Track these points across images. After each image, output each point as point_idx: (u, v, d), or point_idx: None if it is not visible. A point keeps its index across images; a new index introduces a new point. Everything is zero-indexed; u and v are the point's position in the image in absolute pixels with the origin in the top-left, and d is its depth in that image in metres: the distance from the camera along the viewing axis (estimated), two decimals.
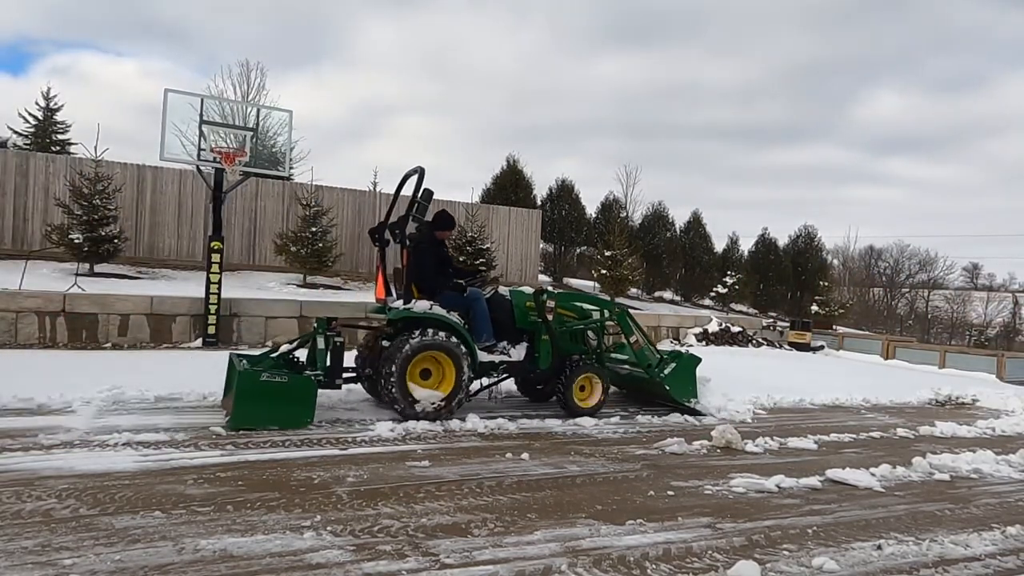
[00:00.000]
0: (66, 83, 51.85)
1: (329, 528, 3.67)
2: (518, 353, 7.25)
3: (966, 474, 5.67)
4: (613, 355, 8.29)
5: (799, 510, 4.48)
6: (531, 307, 7.42)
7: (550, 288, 9.45)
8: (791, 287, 27.40)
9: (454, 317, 6.78)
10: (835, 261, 39.38)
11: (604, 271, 19.75)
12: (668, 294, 25.36)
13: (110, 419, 5.81)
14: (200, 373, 7.89)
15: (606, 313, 7.96)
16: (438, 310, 6.72)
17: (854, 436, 6.99)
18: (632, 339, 7.91)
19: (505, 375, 7.38)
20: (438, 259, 7.27)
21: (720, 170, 78.15)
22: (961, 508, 4.75)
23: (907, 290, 48.89)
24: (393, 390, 6.34)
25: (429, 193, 6.93)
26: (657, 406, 7.86)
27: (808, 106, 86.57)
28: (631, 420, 7.15)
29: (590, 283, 23.64)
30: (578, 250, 25.46)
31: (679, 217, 26.40)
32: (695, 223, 25.89)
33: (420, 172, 7.16)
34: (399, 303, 6.89)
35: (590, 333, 7.90)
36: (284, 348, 6.94)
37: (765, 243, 27.66)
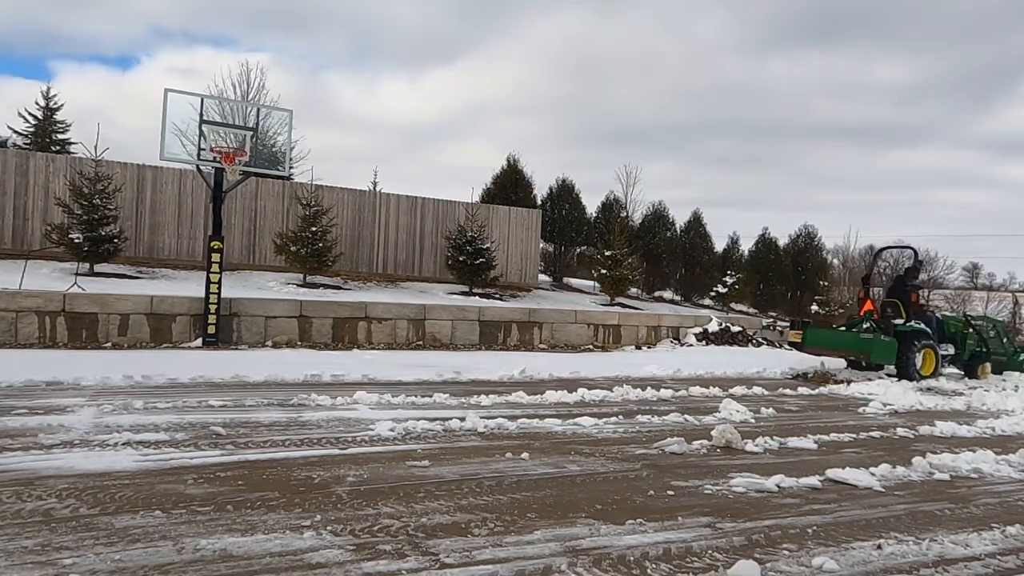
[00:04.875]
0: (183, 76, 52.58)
1: (329, 528, 3.67)
2: (950, 350, 12.27)
3: (966, 474, 5.66)
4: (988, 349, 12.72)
5: (799, 510, 4.48)
6: (955, 324, 12.62)
7: (970, 314, 14.00)
8: (791, 287, 27.38)
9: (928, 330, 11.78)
10: (835, 261, 39.32)
11: (604, 271, 19.75)
12: (668, 294, 25.36)
13: (110, 419, 5.82)
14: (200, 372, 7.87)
15: (991, 325, 13.20)
16: (923, 326, 11.80)
17: (854, 436, 6.99)
18: (1004, 340, 13.04)
19: (948, 361, 12.30)
20: (918, 296, 12.29)
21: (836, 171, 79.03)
22: (961, 508, 4.75)
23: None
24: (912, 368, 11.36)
25: (920, 263, 12.60)
26: (657, 406, 7.86)
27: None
28: (631, 420, 7.15)
29: (590, 283, 23.64)
30: (578, 250, 25.44)
31: (680, 217, 26.42)
32: (695, 223, 25.87)
33: (915, 252, 13.48)
34: (899, 320, 11.80)
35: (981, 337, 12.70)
36: None
37: (765, 243, 27.64)
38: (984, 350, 12.62)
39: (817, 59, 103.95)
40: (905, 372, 11.50)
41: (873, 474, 5.33)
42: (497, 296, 17.86)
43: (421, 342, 12.84)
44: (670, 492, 4.70)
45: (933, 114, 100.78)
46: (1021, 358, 13.15)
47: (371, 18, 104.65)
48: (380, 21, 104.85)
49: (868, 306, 12.31)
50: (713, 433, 6.22)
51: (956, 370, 12.81)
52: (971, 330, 12.63)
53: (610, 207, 25.40)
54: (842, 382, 11.09)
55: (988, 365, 12.55)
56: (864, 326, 12.05)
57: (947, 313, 13.70)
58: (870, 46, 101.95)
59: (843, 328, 12.73)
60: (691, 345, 15.22)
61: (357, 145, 77.60)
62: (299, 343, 11.62)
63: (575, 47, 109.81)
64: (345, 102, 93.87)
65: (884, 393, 9.95)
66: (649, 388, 9.03)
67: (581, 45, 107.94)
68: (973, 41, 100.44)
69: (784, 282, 27.13)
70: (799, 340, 12.42)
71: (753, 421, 7.49)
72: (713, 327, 15.65)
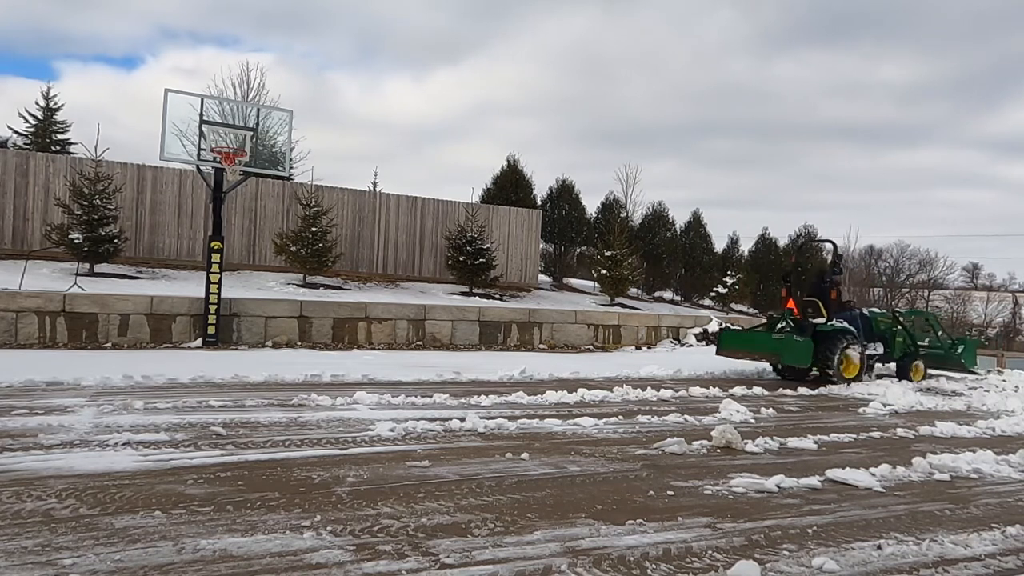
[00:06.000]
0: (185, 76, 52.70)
1: (329, 528, 3.67)
2: (879, 349, 11.56)
3: (966, 474, 5.66)
4: (920, 344, 12.07)
5: (799, 510, 4.48)
6: (883, 321, 11.84)
7: (898, 309, 13.43)
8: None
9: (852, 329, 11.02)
10: None
11: (604, 271, 19.75)
12: (668, 294, 25.36)
13: (110, 419, 5.82)
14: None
15: (923, 319, 12.88)
16: (847, 325, 11.02)
17: (854, 436, 6.99)
18: (940, 333, 12.56)
19: (876, 361, 11.60)
20: (838, 292, 11.42)
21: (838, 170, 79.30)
22: (961, 508, 4.75)
23: (907, 290, 48.88)
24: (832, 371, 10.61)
25: (839, 256, 11.86)
26: (657, 406, 7.87)
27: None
28: (631, 420, 7.15)
29: (590, 283, 23.64)
30: (578, 250, 25.44)
31: (680, 217, 26.44)
32: (695, 223, 25.88)
33: (834, 245, 12.51)
34: (820, 320, 10.96)
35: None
36: None
37: (765, 243, 27.64)
38: (915, 348, 11.98)
39: (823, 59, 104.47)
40: (826, 375, 10.76)
41: (873, 474, 5.33)
42: (497, 296, 17.85)
43: (421, 342, 12.84)
44: (670, 492, 4.69)
45: (937, 114, 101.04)
46: (960, 350, 12.41)
47: (377, 18, 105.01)
48: (386, 21, 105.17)
49: (790, 305, 11.43)
50: (713, 433, 6.22)
51: (894, 371, 12.17)
52: (899, 327, 11.91)
53: (610, 207, 25.41)
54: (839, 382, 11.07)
55: (921, 364, 11.79)
56: (778, 326, 11.42)
57: (875, 310, 12.64)
58: (876, 46, 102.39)
59: (761, 330, 11.94)
60: (691, 345, 15.23)
61: (360, 145, 77.85)
62: (299, 343, 11.63)
63: (581, 47, 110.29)
64: (350, 102, 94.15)
65: (884, 393, 9.95)
66: (649, 388, 9.03)
67: (587, 45, 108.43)
68: (978, 41, 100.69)
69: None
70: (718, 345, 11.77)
71: (753, 421, 7.48)
72: (713, 327, 15.65)
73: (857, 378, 10.85)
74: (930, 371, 12.05)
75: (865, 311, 12.01)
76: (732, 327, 12.88)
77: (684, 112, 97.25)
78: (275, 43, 72.51)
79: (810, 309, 11.28)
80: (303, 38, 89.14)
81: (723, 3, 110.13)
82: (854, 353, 10.91)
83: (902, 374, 11.70)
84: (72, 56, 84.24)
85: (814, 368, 10.85)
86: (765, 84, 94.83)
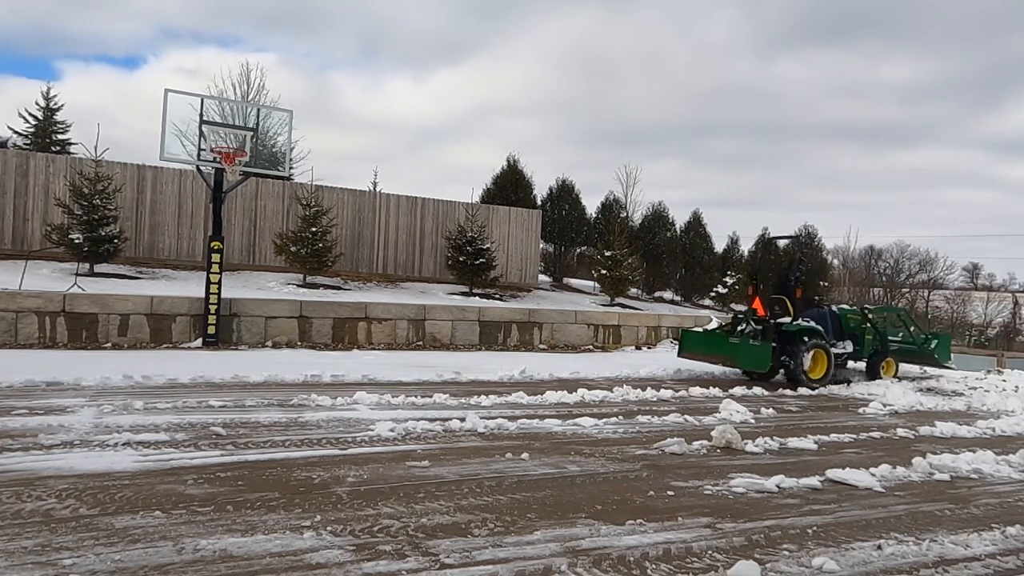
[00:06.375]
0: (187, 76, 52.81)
1: (329, 528, 3.67)
2: (848, 347, 11.15)
3: (966, 474, 5.66)
4: (891, 339, 11.68)
5: (799, 510, 4.48)
6: (852, 318, 11.38)
7: (868, 306, 12.83)
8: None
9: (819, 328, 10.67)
10: (835, 261, 39.35)
11: (604, 271, 19.75)
12: (668, 294, 25.36)
13: (110, 419, 5.82)
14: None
15: (894, 315, 12.45)
16: (813, 324, 10.65)
17: (854, 436, 6.99)
18: (912, 328, 12.19)
19: (845, 359, 11.23)
20: (804, 289, 11.04)
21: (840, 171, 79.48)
22: (961, 508, 4.75)
23: (907, 290, 48.90)
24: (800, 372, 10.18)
25: (804, 253, 11.01)
26: (657, 406, 7.87)
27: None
28: (631, 420, 7.15)
29: (590, 283, 23.64)
30: (578, 250, 25.44)
31: (680, 217, 26.44)
32: (695, 223, 25.87)
33: (798, 240, 11.51)
34: (786, 319, 10.56)
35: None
36: None
37: (765, 243, 27.62)
38: (885, 345, 11.55)
39: (824, 59, 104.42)
40: (792, 376, 10.33)
41: (873, 474, 5.33)
42: (497, 296, 17.86)
43: (421, 342, 12.84)
44: (670, 492, 4.70)
45: (937, 114, 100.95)
46: (934, 345, 12.11)
47: (379, 18, 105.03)
48: (388, 21, 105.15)
49: (756, 304, 10.99)
50: (713, 433, 6.22)
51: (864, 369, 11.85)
52: (868, 324, 11.48)
53: (610, 207, 25.40)
54: (843, 382, 11.06)
55: (892, 361, 11.49)
56: (738, 328, 11.02)
57: (844, 307, 12.21)
58: (877, 46, 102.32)
59: (724, 332, 11.39)
60: None
61: (361, 145, 77.85)
62: (299, 343, 11.63)
63: (583, 47, 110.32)
64: (351, 102, 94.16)
65: (884, 393, 9.95)
66: (649, 388, 9.02)
67: (589, 45, 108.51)
68: (979, 41, 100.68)
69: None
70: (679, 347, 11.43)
71: (753, 421, 7.48)
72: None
73: (824, 379, 10.45)
74: (905, 367, 12.00)
75: (834, 308, 11.68)
76: (693, 328, 12.45)
77: (685, 112, 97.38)
78: (277, 43, 72.65)
79: (777, 307, 10.87)
80: (305, 38, 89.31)
81: (726, 3, 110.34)
82: (820, 353, 10.48)
83: (872, 372, 11.38)
84: (74, 56, 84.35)
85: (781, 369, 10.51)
86: (766, 84, 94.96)
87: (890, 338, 11.66)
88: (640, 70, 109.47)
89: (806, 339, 10.40)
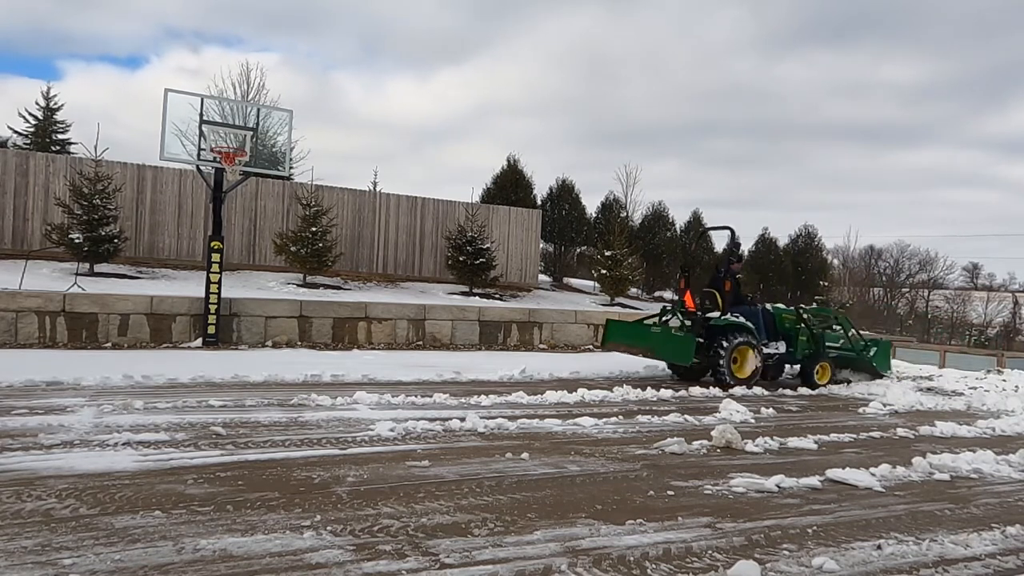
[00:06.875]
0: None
1: (329, 528, 3.67)
2: (781, 348, 10.56)
3: (966, 474, 5.66)
4: (829, 344, 10.95)
5: (799, 510, 4.48)
6: (788, 318, 10.80)
7: (804, 306, 12.21)
8: (791, 287, 27.38)
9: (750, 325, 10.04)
10: (835, 261, 39.37)
11: (604, 271, 19.76)
12: (668, 294, 25.35)
13: (110, 419, 5.82)
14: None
15: (832, 318, 11.44)
16: (743, 320, 10.01)
17: (854, 436, 6.99)
18: (850, 333, 11.26)
19: (775, 362, 10.66)
20: (736, 284, 10.45)
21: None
22: (961, 508, 4.75)
23: (907, 290, 48.90)
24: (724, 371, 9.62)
25: (738, 243, 10.97)
26: (657, 406, 7.87)
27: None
28: (631, 420, 7.15)
29: (590, 283, 23.65)
30: (578, 250, 25.45)
31: (680, 217, 26.46)
32: (695, 223, 25.89)
33: (732, 231, 11.33)
34: (716, 313, 9.99)
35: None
36: None
37: (765, 243, 27.65)
38: (821, 349, 10.80)
39: (826, 59, 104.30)
40: (717, 374, 9.74)
41: (873, 474, 5.33)
42: (497, 296, 17.86)
43: (421, 342, 12.84)
44: (670, 492, 4.70)
45: (939, 114, 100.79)
46: (873, 352, 11.40)
47: (381, 18, 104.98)
48: (390, 21, 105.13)
49: (687, 297, 10.55)
50: (713, 433, 6.22)
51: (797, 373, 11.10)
52: (803, 325, 10.72)
53: (610, 207, 25.43)
54: (842, 382, 11.06)
55: (827, 365, 10.69)
56: (661, 319, 10.55)
57: (780, 306, 11.60)
58: (880, 46, 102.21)
59: (650, 323, 10.74)
60: None
61: (363, 145, 77.77)
62: (299, 343, 11.63)
63: (586, 47, 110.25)
64: (353, 102, 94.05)
65: (884, 393, 9.96)
66: (649, 388, 9.02)
67: (592, 45, 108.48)
68: (981, 42, 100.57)
69: (784, 282, 27.13)
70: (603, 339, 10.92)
71: (753, 421, 7.49)
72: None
73: (750, 379, 9.85)
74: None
75: (769, 307, 11.07)
76: (619, 319, 11.63)
77: (686, 112, 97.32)
78: (279, 43, 72.58)
79: (707, 301, 10.31)
80: (307, 38, 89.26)
81: (729, 3, 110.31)
82: (747, 351, 9.92)
83: (806, 377, 10.60)
84: (76, 56, 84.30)
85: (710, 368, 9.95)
86: (768, 84, 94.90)
87: (829, 343, 10.95)
88: (641, 70, 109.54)
89: (732, 336, 9.82)
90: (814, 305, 13.33)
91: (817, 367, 10.62)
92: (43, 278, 12.43)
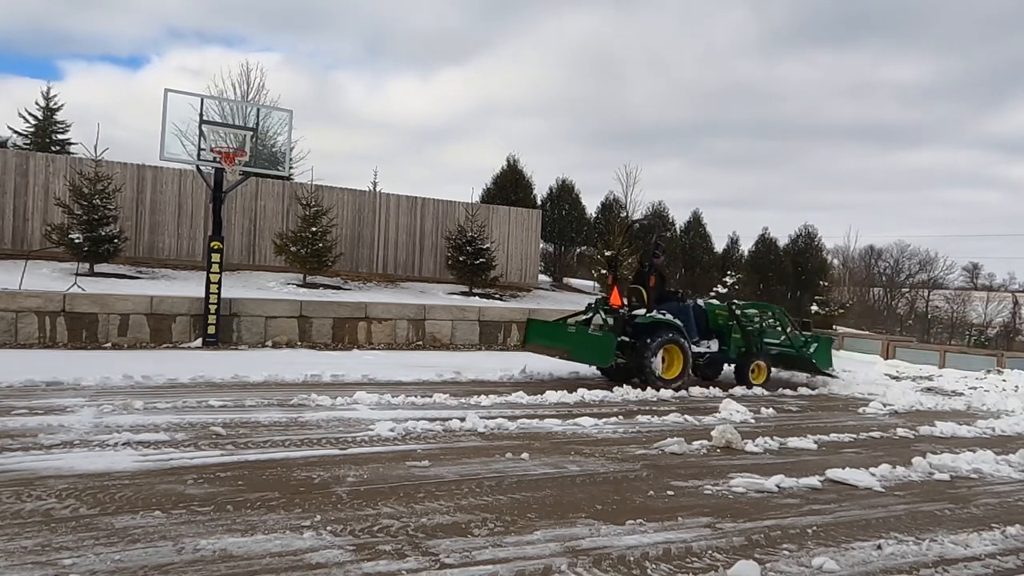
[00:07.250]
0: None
1: (329, 528, 3.67)
2: (713, 346, 10.11)
3: (966, 474, 5.66)
4: (767, 341, 10.55)
5: (799, 510, 4.48)
6: (720, 314, 10.27)
7: (737, 301, 11.91)
8: (791, 287, 27.38)
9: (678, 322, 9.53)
10: (835, 261, 39.34)
11: (604, 271, 19.74)
12: None
13: (110, 419, 5.82)
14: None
15: (768, 313, 10.83)
16: (670, 317, 9.48)
17: (854, 436, 6.99)
18: (788, 329, 10.72)
19: (706, 362, 10.15)
20: (661, 279, 10.08)
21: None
22: (961, 508, 4.75)
23: (907, 290, 48.89)
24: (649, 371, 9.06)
25: (663, 238, 10.47)
26: (657, 406, 7.87)
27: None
28: (631, 420, 7.16)
29: (590, 283, 23.64)
30: (578, 250, 25.44)
31: (680, 217, 26.45)
32: (695, 223, 25.88)
33: (661, 225, 11.64)
34: (642, 310, 9.44)
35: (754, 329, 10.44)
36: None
37: (765, 243, 27.63)
38: (756, 347, 10.31)
39: (828, 59, 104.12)
40: (643, 375, 9.13)
41: (873, 474, 5.33)
42: (497, 296, 17.86)
43: (421, 342, 12.84)
44: (670, 492, 4.70)
45: (940, 114, 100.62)
46: (814, 348, 10.67)
47: (383, 18, 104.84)
48: (392, 21, 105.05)
49: (614, 294, 9.85)
50: (713, 433, 6.22)
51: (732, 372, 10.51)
52: (735, 321, 10.22)
53: (610, 207, 25.41)
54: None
55: (763, 364, 10.25)
56: (580, 317, 9.99)
57: (713, 302, 11.03)
58: (881, 46, 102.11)
59: (571, 322, 10.14)
60: None
61: (364, 145, 77.69)
62: (299, 343, 11.63)
63: (588, 47, 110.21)
64: (355, 102, 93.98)
65: (884, 393, 9.96)
66: (649, 388, 9.02)
67: (595, 45, 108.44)
68: (981, 42, 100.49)
69: (784, 282, 27.12)
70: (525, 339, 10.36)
71: (753, 421, 7.49)
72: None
73: (679, 379, 9.29)
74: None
75: (700, 302, 10.49)
76: (540, 319, 10.97)
77: (687, 112, 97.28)
78: (281, 43, 72.55)
79: (634, 298, 9.71)
80: (309, 38, 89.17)
81: (731, 3, 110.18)
82: (675, 350, 9.38)
83: (741, 376, 10.11)
84: (76, 56, 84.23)
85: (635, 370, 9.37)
86: (769, 84, 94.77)
87: (767, 340, 10.49)
88: (644, 70, 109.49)
89: (657, 334, 9.23)
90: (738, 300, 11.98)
91: (752, 366, 10.16)
92: (43, 278, 12.42)
